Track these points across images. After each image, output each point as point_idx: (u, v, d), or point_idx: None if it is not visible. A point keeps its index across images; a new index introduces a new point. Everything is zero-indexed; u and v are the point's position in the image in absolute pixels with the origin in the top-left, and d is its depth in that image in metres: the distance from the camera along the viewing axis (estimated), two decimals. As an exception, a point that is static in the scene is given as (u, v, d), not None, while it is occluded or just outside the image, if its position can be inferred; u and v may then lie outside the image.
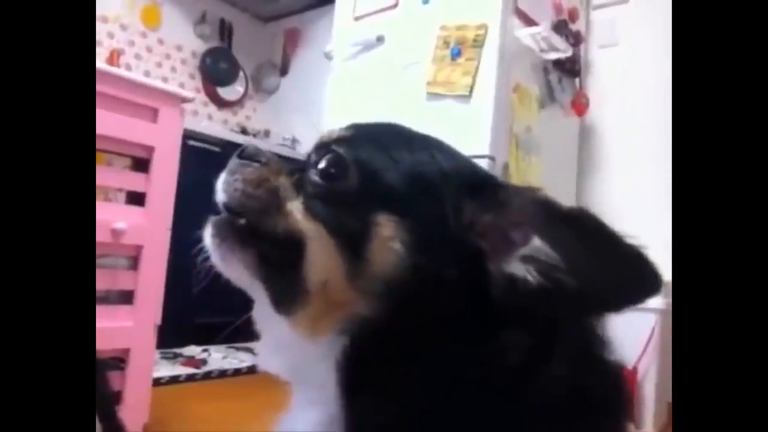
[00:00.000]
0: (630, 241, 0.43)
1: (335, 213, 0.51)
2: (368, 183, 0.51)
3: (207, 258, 0.56)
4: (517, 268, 0.45)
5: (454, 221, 0.48)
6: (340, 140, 0.55)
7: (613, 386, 0.49)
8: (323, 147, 0.55)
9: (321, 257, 0.50)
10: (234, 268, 0.55)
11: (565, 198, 2.35)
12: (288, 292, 0.51)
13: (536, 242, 0.45)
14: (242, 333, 0.63)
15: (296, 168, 0.57)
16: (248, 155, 0.58)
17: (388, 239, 0.48)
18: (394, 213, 0.49)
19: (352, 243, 0.49)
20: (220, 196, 0.57)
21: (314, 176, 0.53)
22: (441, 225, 0.48)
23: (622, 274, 0.43)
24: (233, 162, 0.58)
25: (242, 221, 0.55)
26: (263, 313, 0.55)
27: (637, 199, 2.31)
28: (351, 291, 0.48)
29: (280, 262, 0.52)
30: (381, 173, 0.51)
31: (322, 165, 0.53)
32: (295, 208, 0.53)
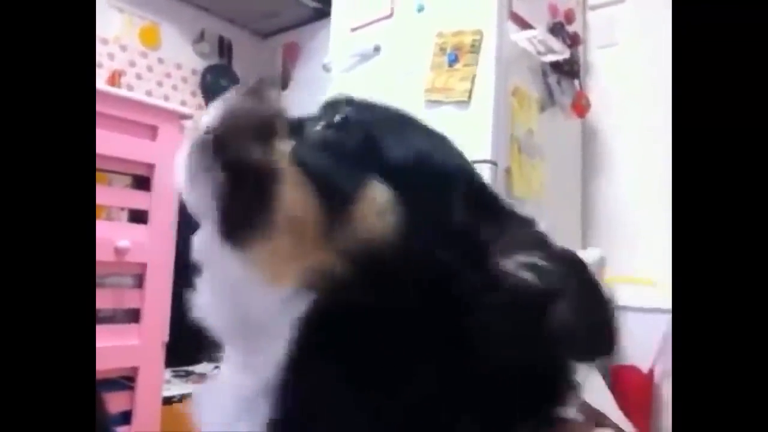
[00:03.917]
0: (610, 300, 0.43)
1: (326, 163, 0.47)
2: (370, 146, 0.47)
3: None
4: (513, 265, 0.43)
5: (455, 213, 0.46)
6: (351, 101, 0.52)
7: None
8: (332, 105, 0.51)
9: (296, 195, 0.45)
10: (198, 188, 0.49)
11: (571, 200, 2.31)
12: (248, 219, 0.45)
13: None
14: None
15: (299, 120, 0.53)
16: (251, 91, 0.54)
17: (380, 205, 0.44)
18: (391, 185, 0.45)
19: (337, 195, 0.45)
20: (207, 118, 0.51)
21: (314, 126, 0.50)
22: (441, 211, 0.46)
23: (591, 326, 0.43)
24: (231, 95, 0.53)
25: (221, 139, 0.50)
26: (210, 245, 0.48)
27: (642, 199, 2.29)
28: (326, 243, 0.43)
29: (249, 190, 0.46)
30: (388, 142, 0.48)
31: (326, 118, 0.49)
32: (283, 146, 0.48)
